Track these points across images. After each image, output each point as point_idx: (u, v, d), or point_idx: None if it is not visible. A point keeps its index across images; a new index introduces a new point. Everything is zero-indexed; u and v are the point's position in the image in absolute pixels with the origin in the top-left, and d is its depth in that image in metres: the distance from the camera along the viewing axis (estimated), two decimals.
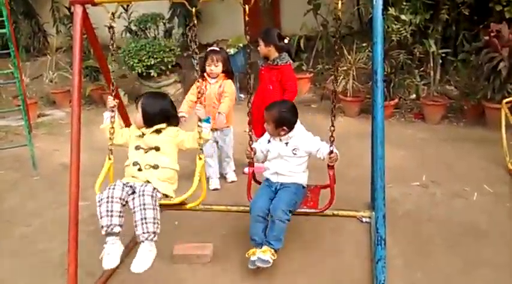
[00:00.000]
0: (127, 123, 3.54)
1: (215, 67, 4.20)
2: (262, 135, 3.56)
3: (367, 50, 6.27)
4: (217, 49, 4.38)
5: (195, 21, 2.95)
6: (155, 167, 2.99)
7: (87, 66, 7.20)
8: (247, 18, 2.93)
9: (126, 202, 2.88)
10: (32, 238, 3.76)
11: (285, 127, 3.23)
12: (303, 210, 3.27)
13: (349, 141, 5.01)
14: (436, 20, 6.10)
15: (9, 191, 4.64)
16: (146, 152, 3.04)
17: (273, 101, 4.23)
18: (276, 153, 3.31)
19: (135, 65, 6.96)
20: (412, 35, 5.96)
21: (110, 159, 3.13)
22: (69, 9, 9.08)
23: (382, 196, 2.52)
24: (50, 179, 4.84)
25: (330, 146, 3.13)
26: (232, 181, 4.58)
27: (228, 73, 4.31)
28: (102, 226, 2.82)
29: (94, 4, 3.02)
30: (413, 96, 6.52)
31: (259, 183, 3.50)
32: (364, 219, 3.73)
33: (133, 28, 7.93)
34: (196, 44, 3.01)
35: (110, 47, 3.16)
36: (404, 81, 6.30)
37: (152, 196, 2.82)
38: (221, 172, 4.61)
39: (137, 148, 3.06)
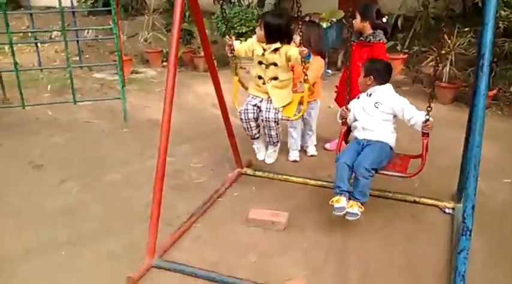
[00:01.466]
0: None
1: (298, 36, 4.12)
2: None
3: (469, 35, 5.88)
4: (308, 21, 4.29)
5: None
6: (275, 79, 3.55)
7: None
8: None
9: (257, 116, 3.68)
10: (119, 185, 3.98)
11: (371, 76, 3.38)
12: (389, 172, 3.27)
13: (439, 129, 4.68)
14: None
15: (102, 139, 4.94)
16: (267, 67, 3.53)
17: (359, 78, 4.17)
18: (360, 106, 3.43)
19: (226, 31, 7.01)
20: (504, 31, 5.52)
21: (236, 75, 3.70)
22: None
23: (473, 186, 2.38)
24: (139, 132, 5.08)
25: (426, 115, 3.11)
26: (312, 155, 4.56)
27: (316, 48, 4.22)
28: (248, 134, 3.80)
29: None
30: None
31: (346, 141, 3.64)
32: (446, 210, 3.56)
33: None
34: (299, 13, 3.01)
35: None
36: (507, 71, 5.87)
37: (275, 120, 3.57)
38: (302, 145, 4.60)
39: (260, 63, 3.55)
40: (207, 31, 3.58)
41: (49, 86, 6.43)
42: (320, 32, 4.41)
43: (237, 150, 4.11)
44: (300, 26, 3.25)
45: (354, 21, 4.16)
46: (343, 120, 3.56)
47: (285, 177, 4.02)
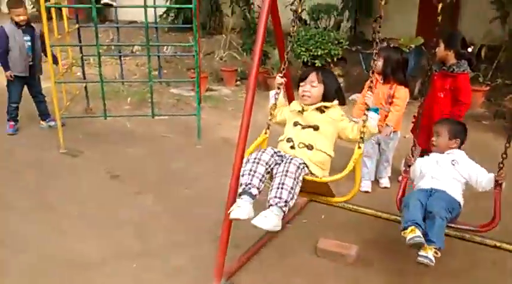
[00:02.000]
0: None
1: (378, 61, 3.90)
2: (425, 143, 3.37)
3: None
4: (391, 47, 4.18)
5: (382, 13, 2.84)
6: (309, 147, 2.84)
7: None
8: (439, 18, 2.73)
9: (271, 169, 2.80)
10: (191, 200, 4.07)
11: (458, 140, 3.16)
12: (460, 226, 3.06)
13: None
14: None
15: (176, 154, 5.07)
16: (303, 129, 2.90)
17: (442, 110, 4.01)
18: (433, 160, 3.18)
19: (302, 53, 7.07)
20: None
21: (265, 133, 3.16)
22: None
23: None
24: (212, 149, 5.18)
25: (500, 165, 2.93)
26: (385, 187, 4.43)
27: (398, 77, 4.08)
28: (241, 184, 2.74)
29: None
30: None
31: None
32: None
33: (305, 17, 8.03)
34: (378, 37, 2.86)
35: (291, 29, 3.23)
36: None
37: (298, 167, 2.69)
38: (375, 176, 4.48)
39: (295, 124, 2.95)
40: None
41: (129, 99, 6.73)
42: (403, 58, 4.16)
43: None
44: (377, 51, 2.86)
45: (437, 49, 4.02)
46: (408, 168, 3.33)
47: (355, 207, 3.93)
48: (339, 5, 8.83)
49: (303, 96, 2.96)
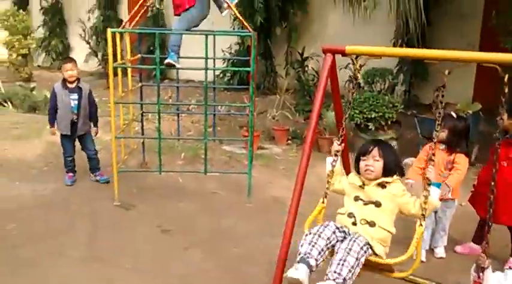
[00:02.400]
0: (347, 170, 3.56)
1: (442, 131, 3.92)
2: (485, 214, 3.15)
3: None
4: (453, 114, 4.12)
5: (445, 82, 2.84)
6: (371, 224, 2.85)
7: (309, 110, 7.58)
8: (506, 89, 2.68)
9: (333, 246, 2.78)
10: (240, 259, 4.01)
11: None
12: None
13: None
14: None
15: (226, 211, 5.09)
16: (365, 205, 2.92)
17: (506, 179, 3.83)
18: None
19: (355, 115, 7.07)
20: None
21: (323, 202, 3.18)
22: (301, 54, 9.82)
23: None
24: (262, 208, 5.15)
25: None
26: (441, 258, 4.23)
27: (462, 145, 4.02)
28: (300, 253, 2.73)
29: (344, 54, 3.17)
30: None
31: None
32: None
33: (360, 80, 8.10)
34: (442, 106, 2.88)
35: (350, 95, 3.26)
36: None
37: (362, 248, 2.68)
38: (430, 245, 4.29)
39: (356, 199, 2.97)
40: (334, 113, 3.48)
41: (182, 154, 6.89)
42: (467, 127, 4.09)
43: None
44: (439, 118, 2.87)
45: (499, 118, 3.93)
46: (481, 273, 2.73)
47: (410, 277, 3.73)
48: (393, 69, 8.88)
49: (366, 170, 2.97)
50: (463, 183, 4.98)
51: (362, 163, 3.00)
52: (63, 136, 5.61)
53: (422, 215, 2.78)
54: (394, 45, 9.32)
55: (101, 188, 5.62)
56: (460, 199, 4.63)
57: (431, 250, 4.28)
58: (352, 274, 2.60)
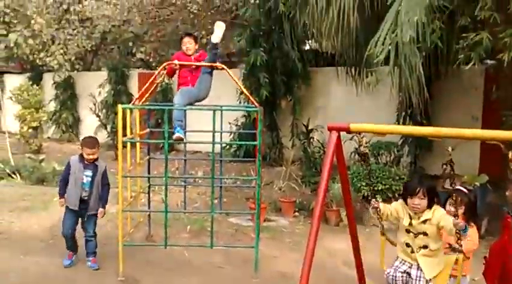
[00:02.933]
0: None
1: (459, 209, 3.92)
2: None
3: None
4: (464, 190, 4.11)
5: (451, 157, 2.89)
6: (425, 247, 3.56)
7: (315, 182, 7.60)
8: (511, 164, 2.71)
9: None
10: None
11: None
12: None
13: None
14: None
15: None
16: (416, 236, 3.55)
17: None
18: None
19: (362, 187, 7.08)
20: None
21: (383, 234, 3.86)
22: (306, 126, 10.00)
23: None
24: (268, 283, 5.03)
25: None
26: None
27: (469, 217, 3.97)
28: None
29: (349, 132, 3.25)
30: None
31: None
32: None
33: (366, 151, 8.16)
34: (452, 180, 3.01)
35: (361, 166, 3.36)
36: None
37: None
38: None
39: (408, 231, 3.59)
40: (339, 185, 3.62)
41: (188, 227, 6.84)
42: (475, 200, 4.15)
43: None
44: (452, 195, 3.44)
45: (507, 193, 3.94)
46: None
47: None
48: (398, 141, 8.99)
49: (414, 208, 3.54)
50: (475, 257, 4.88)
51: (409, 201, 3.59)
52: (68, 210, 5.36)
53: (460, 251, 3.54)
54: (398, 119, 9.52)
55: (107, 262, 5.52)
56: (472, 274, 4.52)
57: None
58: None
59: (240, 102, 11.01)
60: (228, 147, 11.50)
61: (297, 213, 7.84)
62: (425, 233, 3.53)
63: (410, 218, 3.55)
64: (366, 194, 7.14)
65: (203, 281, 5.08)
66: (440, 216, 3.49)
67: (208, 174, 5.58)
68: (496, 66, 6.44)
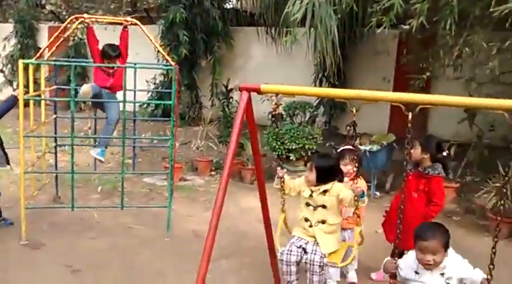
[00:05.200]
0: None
1: (351, 167, 4.13)
2: (393, 238, 3.22)
3: None
4: (353, 148, 4.32)
5: (355, 119, 2.97)
6: (323, 222, 3.58)
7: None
8: (410, 125, 2.82)
9: (301, 258, 3.58)
10: None
11: (446, 252, 2.75)
12: None
13: (495, 269, 4.42)
14: None
15: (143, 247, 4.89)
16: (315, 210, 3.58)
17: (415, 210, 4.00)
18: None
19: (277, 146, 7.18)
20: None
21: (283, 212, 3.72)
22: (226, 86, 9.92)
23: None
24: (180, 243, 5.01)
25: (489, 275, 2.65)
26: (353, 283, 4.32)
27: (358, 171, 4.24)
28: (285, 279, 3.64)
29: (260, 93, 3.23)
30: None
31: None
32: None
33: (282, 112, 8.26)
34: (353, 143, 3.08)
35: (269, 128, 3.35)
36: None
37: (320, 265, 3.48)
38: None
39: (307, 205, 3.61)
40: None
41: (99, 188, 6.63)
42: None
43: (277, 271, 3.93)
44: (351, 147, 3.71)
45: (412, 151, 4.11)
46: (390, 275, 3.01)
47: None
48: (314, 101, 9.18)
49: (308, 180, 3.62)
50: (377, 209, 5.18)
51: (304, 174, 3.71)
52: None
53: (360, 235, 3.69)
54: (314, 80, 9.71)
55: (9, 226, 5.22)
56: (374, 226, 4.80)
57: (344, 276, 4.36)
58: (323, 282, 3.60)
59: (158, 60, 10.64)
60: (145, 106, 11.19)
61: (213, 172, 7.85)
62: (324, 206, 3.56)
63: (312, 191, 3.59)
64: (280, 153, 7.27)
65: (112, 242, 4.96)
66: (340, 188, 3.55)
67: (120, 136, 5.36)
68: (408, 31, 6.67)
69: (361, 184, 4.14)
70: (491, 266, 2.60)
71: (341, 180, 3.67)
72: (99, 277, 4.17)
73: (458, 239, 4.27)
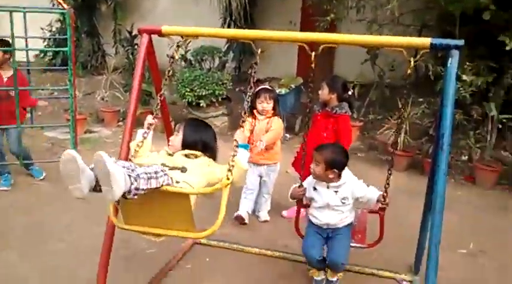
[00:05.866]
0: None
1: (267, 104, 4.27)
2: (302, 173, 3.40)
3: (422, 106, 6.09)
4: (270, 88, 4.40)
5: (258, 60, 2.90)
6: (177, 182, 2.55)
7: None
8: (313, 64, 2.85)
9: None
10: (63, 254, 3.71)
11: (335, 170, 3.07)
12: (353, 245, 3.27)
13: (394, 197, 4.75)
14: (498, 83, 5.88)
15: (48, 202, 4.67)
16: (171, 169, 2.60)
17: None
18: (323, 203, 3.17)
19: (186, 93, 7.03)
20: (471, 96, 5.74)
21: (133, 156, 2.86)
22: (130, 32, 9.41)
23: (434, 265, 2.31)
24: (87, 197, 4.80)
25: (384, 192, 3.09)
26: (265, 221, 4.47)
27: (275, 112, 4.37)
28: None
29: (161, 35, 3.06)
30: (466, 157, 6.24)
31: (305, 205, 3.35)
32: (404, 282, 3.49)
33: (190, 58, 8.04)
34: (254, 81, 2.91)
35: (166, 73, 3.07)
36: (458, 141, 6.05)
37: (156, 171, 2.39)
38: (254, 209, 4.51)
39: (162, 165, 2.62)
40: (166, 92, 3.34)
41: None
42: (277, 97, 4.52)
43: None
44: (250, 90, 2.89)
45: (320, 92, 4.22)
46: (297, 200, 3.32)
47: (241, 246, 3.85)
48: (223, 47, 9.01)
49: (169, 145, 2.93)
50: (287, 151, 5.30)
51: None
52: None
53: (229, 170, 2.44)
54: (223, 25, 9.49)
55: None
56: (284, 166, 4.92)
57: (256, 216, 4.49)
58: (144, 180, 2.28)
59: (53, 5, 9.78)
60: (42, 55, 10.36)
61: (120, 123, 7.56)
62: (183, 169, 2.59)
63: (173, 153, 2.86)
64: (190, 100, 7.13)
65: (15, 200, 4.67)
66: (210, 161, 2.82)
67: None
68: None
69: (277, 123, 4.30)
70: (387, 185, 3.05)
71: (213, 157, 2.89)
72: (2, 236, 3.93)
73: (363, 174, 4.48)
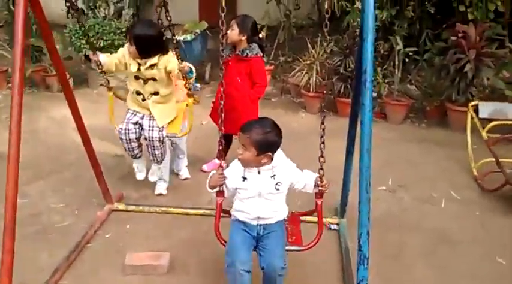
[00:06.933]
0: None
1: None
2: (226, 128, 2.98)
3: (331, 44, 6.03)
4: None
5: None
6: (156, 94, 3.51)
7: (28, 45, 6.53)
8: (223, 3, 2.57)
9: (140, 135, 3.61)
10: None
11: (269, 153, 2.46)
12: (288, 248, 2.61)
13: (310, 139, 4.71)
14: (401, 16, 5.94)
15: None
16: (146, 83, 3.45)
17: (241, 94, 3.95)
18: (254, 192, 2.53)
19: (82, 46, 6.38)
20: (376, 31, 5.76)
21: (109, 90, 3.63)
22: None
23: (367, 210, 2.26)
24: None
25: (320, 170, 2.62)
26: (186, 178, 4.24)
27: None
28: (129, 154, 3.74)
29: None
30: (375, 94, 6.36)
31: (228, 212, 2.71)
32: (332, 226, 3.51)
33: (81, 6, 7.28)
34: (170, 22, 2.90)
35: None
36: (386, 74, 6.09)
37: (160, 140, 3.57)
38: (173, 169, 4.24)
39: (137, 78, 3.46)
40: (59, 46, 2.97)
41: None
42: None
43: (105, 182, 3.59)
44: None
45: (229, 33, 3.89)
46: (217, 190, 2.62)
47: (162, 208, 3.64)
48: None
49: (130, 52, 3.40)
50: (201, 103, 5.05)
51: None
52: None
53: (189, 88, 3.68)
54: None
55: None
56: (198, 117, 4.68)
57: (177, 175, 4.26)
58: (164, 153, 3.73)
59: None
60: None
61: (10, 84, 6.75)
62: (154, 79, 3.45)
63: (139, 64, 3.38)
64: (86, 53, 6.51)
65: None
66: (167, 60, 3.40)
67: None
68: None
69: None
70: (321, 169, 2.61)
71: (166, 52, 3.43)
72: None
73: (277, 118, 4.40)
